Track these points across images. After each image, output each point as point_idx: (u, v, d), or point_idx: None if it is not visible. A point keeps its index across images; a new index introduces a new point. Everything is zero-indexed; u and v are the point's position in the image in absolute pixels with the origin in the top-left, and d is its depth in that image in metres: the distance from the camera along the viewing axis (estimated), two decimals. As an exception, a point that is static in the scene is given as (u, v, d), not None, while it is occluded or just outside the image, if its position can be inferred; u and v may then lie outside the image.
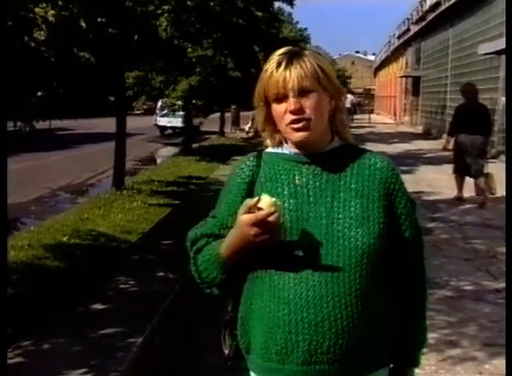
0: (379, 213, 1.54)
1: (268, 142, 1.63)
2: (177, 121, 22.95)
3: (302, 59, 1.52)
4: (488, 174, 8.61)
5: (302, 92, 1.50)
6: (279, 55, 1.54)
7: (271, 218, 1.41)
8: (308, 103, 1.51)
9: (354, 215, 1.52)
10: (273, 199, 1.43)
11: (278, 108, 1.53)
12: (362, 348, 1.52)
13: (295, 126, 1.51)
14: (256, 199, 1.43)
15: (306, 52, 1.55)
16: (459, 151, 8.68)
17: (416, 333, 1.66)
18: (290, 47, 1.59)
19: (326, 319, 1.48)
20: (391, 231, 1.56)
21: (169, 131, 24.70)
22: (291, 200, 1.54)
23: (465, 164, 8.62)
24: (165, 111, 21.45)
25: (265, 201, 1.42)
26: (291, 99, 1.50)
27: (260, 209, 1.41)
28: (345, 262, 1.49)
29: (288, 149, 1.60)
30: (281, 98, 1.52)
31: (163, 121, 24.48)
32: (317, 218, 1.52)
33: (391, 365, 1.65)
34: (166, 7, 9.48)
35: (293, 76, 1.50)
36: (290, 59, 1.52)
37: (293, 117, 1.50)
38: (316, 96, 1.51)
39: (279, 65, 1.52)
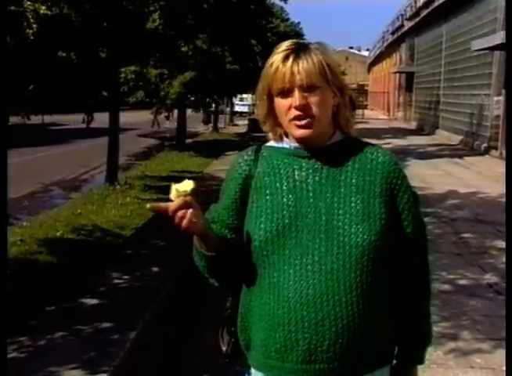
0: (380, 209, 1.49)
1: (269, 135, 1.60)
2: (244, 108, 39.82)
3: (310, 54, 1.47)
4: None
5: (308, 88, 1.46)
6: (286, 48, 1.49)
7: (171, 208, 1.38)
8: (313, 100, 1.46)
9: (354, 211, 1.47)
10: (180, 186, 1.40)
11: (282, 103, 1.48)
12: (363, 346, 1.49)
13: (299, 123, 1.47)
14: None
15: (313, 47, 1.50)
16: None
17: (419, 330, 1.61)
18: (295, 40, 1.54)
19: (326, 318, 1.45)
20: (393, 227, 1.52)
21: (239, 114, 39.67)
22: (290, 196, 1.51)
23: None
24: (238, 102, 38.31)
25: (173, 192, 1.40)
26: (297, 95, 1.45)
27: (170, 200, 1.40)
28: (345, 260, 1.45)
29: (288, 143, 1.56)
30: (286, 92, 1.47)
31: (237, 108, 39.61)
32: (316, 214, 1.48)
33: (394, 361, 1.61)
34: (161, 3, 9.42)
35: (301, 71, 1.45)
36: (298, 53, 1.47)
37: (298, 113, 1.46)
38: (322, 93, 1.47)
39: (286, 58, 1.46)
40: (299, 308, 1.46)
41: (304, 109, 1.46)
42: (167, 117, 29.46)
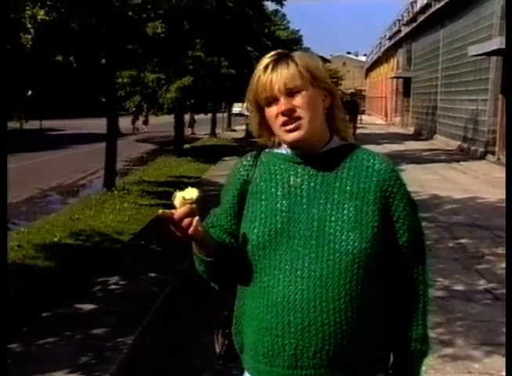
0: (373, 216, 1.49)
1: (268, 144, 1.62)
2: (242, 110, 40.12)
3: (288, 61, 1.50)
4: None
5: (291, 93, 1.49)
6: (266, 59, 1.53)
7: (177, 215, 1.40)
8: (298, 103, 1.49)
9: (346, 218, 1.48)
10: (186, 194, 1.42)
11: (270, 111, 1.52)
12: (351, 354, 1.49)
13: (287, 127, 1.49)
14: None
15: (293, 54, 1.53)
16: None
17: (414, 341, 1.58)
18: (277, 50, 1.57)
19: (313, 324, 1.45)
20: (387, 235, 1.52)
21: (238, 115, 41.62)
22: (284, 201, 1.52)
23: None
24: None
25: (176, 199, 1.42)
26: (281, 101, 1.49)
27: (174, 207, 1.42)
28: (335, 267, 1.45)
29: (286, 149, 1.58)
30: (271, 101, 1.50)
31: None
32: (309, 220, 1.49)
33: (390, 372, 1.60)
34: (159, 11, 9.43)
35: (279, 77, 1.49)
36: (276, 61, 1.51)
37: (285, 118, 1.49)
38: (306, 95, 1.49)
39: (265, 68, 1.51)
40: (286, 313, 1.46)
41: (290, 113, 1.49)
42: (145, 122, 29.74)
